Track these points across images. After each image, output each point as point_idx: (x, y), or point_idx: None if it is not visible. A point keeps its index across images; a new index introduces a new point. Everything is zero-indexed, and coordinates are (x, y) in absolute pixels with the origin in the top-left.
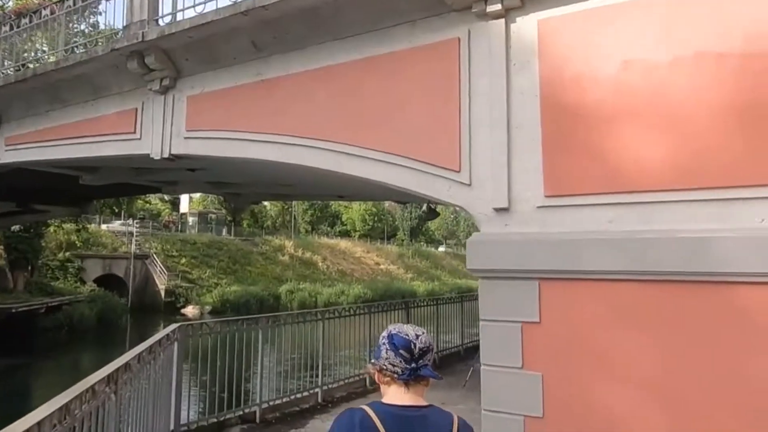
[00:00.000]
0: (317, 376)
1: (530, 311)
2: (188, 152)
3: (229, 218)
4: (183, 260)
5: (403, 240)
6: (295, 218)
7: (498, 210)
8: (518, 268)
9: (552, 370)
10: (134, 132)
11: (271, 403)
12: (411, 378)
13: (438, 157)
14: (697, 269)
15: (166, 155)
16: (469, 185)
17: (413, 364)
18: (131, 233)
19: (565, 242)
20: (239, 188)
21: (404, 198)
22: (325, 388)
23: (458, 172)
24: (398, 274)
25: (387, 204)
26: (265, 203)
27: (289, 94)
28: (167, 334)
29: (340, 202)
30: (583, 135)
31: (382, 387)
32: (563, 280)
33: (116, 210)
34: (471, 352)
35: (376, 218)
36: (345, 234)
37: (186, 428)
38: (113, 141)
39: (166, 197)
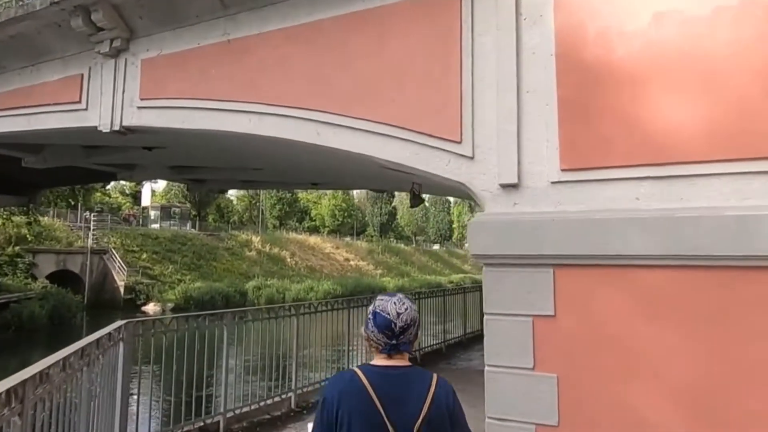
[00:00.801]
0: (290, 379)
1: (543, 303)
2: (142, 124)
3: (193, 212)
4: (144, 255)
5: (372, 236)
6: (262, 213)
7: (505, 186)
8: (529, 254)
9: (569, 371)
10: (79, 101)
11: (236, 411)
12: (392, 351)
13: (435, 127)
14: (744, 252)
15: (116, 128)
16: (472, 158)
17: (394, 341)
18: (88, 227)
19: (584, 223)
20: (203, 173)
21: (386, 185)
22: (299, 392)
23: (459, 143)
24: (368, 270)
25: (357, 199)
26: (232, 197)
27: (261, 57)
28: (109, 333)
29: (310, 198)
30: (606, 99)
31: (371, 351)
32: (583, 267)
33: (72, 203)
34: (451, 349)
35: (345, 213)
36: (314, 229)
37: None
38: (56, 112)
39: (127, 190)
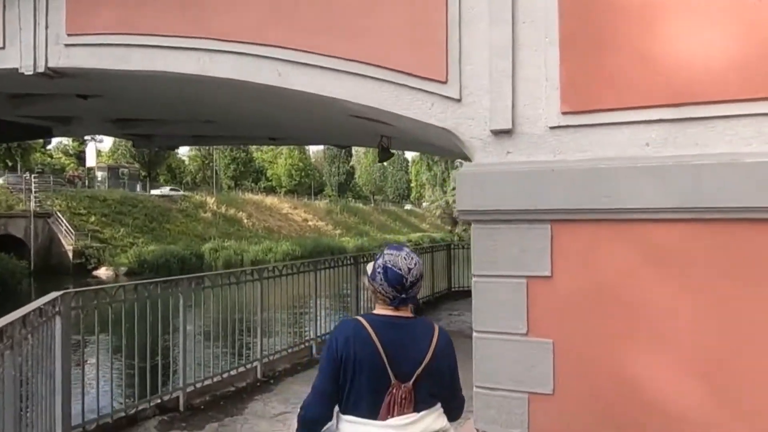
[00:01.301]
0: (255, 348)
1: (539, 263)
2: (71, 65)
3: (143, 173)
4: (92, 219)
5: (330, 196)
6: (216, 173)
7: (497, 133)
8: (524, 208)
9: (566, 335)
10: None
11: (198, 385)
12: (400, 304)
13: (417, 64)
14: None
15: (41, 69)
16: (459, 101)
17: (403, 295)
18: (29, 189)
19: (587, 172)
20: (149, 127)
21: (351, 139)
22: (264, 360)
23: (444, 83)
24: (327, 231)
25: (314, 159)
26: (184, 157)
27: None
28: (40, 308)
29: (265, 158)
30: (615, 29)
31: (376, 302)
32: (584, 222)
33: (9, 163)
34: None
35: (302, 173)
36: (270, 190)
37: (81, 430)
38: None
39: (70, 150)
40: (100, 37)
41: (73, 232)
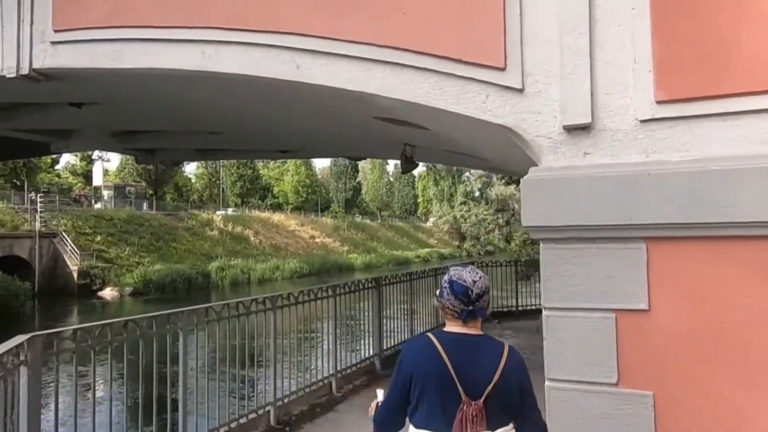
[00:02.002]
0: (267, 389)
1: (632, 292)
2: (59, 65)
3: (150, 192)
4: (98, 238)
5: (337, 212)
6: (223, 191)
7: (572, 129)
8: (611, 223)
9: (669, 387)
10: None
11: None
12: (468, 318)
13: (466, 48)
14: None
15: (25, 71)
16: (521, 91)
17: (470, 307)
18: (35, 209)
19: (695, 177)
20: (151, 141)
21: (369, 150)
22: (278, 404)
23: (502, 70)
24: (334, 247)
25: (320, 175)
26: (190, 175)
27: None
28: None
29: (272, 174)
30: None
31: (446, 319)
32: (691, 240)
33: (17, 183)
34: None
35: (309, 190)
36: (277, 207)
37: None
38: None
39: (78, 170)
40: (90, 32)
41: (78, 252)
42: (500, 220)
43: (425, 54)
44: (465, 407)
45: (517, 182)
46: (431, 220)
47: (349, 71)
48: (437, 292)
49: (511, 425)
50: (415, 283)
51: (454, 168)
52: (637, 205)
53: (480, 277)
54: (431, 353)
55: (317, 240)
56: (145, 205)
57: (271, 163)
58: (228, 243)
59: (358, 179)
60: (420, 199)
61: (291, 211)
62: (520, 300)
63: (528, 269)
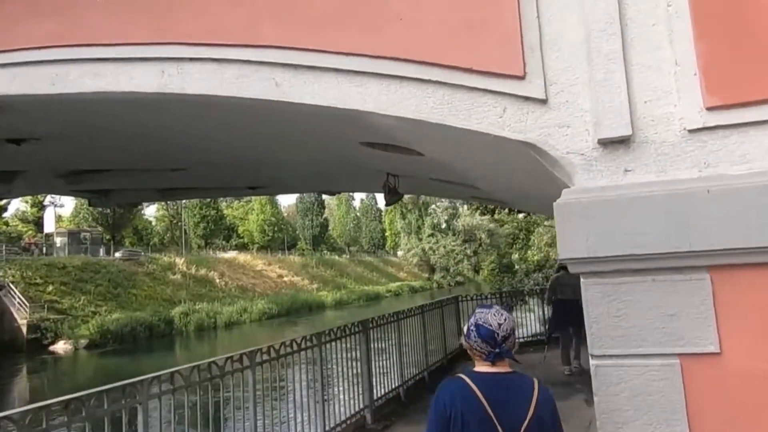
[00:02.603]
0: None
1: (698, 332)
2: None
3: (107, 237)
4: (50, 288)
5: (304, 249)
6: (185, 233)
7: (609, 143)
8: (666, 251)
9: None
10: None
11: None
12: (495, 359)
13: (477, 56)
14: None
15: None
16: (544, 102)
17: (497, 349)
18: None
19: (763, 192)
20: (106, 181)
21: (346, 183)
22: None
23: (520, 79)
24: (303, 285)
25: (286, 213)
26: (150, 218)
27: None
28: None
29: (236, 214)
30: None
31: (474, 359)
32: (764, 268)
33: None
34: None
35: (275, 228)
36: (242, 247)
37: None
38: None
39: (29, 217)
40: (23, 53)
41: (28, 305)
42: (468, 251)
43: (430, 64)
44: None
45: (489, 212)
46: (400, 253)
47: (338, 87)
48: (464, 332)
49: None
50: (402, 323)
51: (421, 200)
52: (696, 228)
53: (505, 320)
54: (468, 393)
55: (285, 279)
56: (102, 251)
57: (235, 202)
58: (192, 286)
59: (324, 215)
60: (388, 233)
61: (257, 251)
62: None
63: (511, 300)
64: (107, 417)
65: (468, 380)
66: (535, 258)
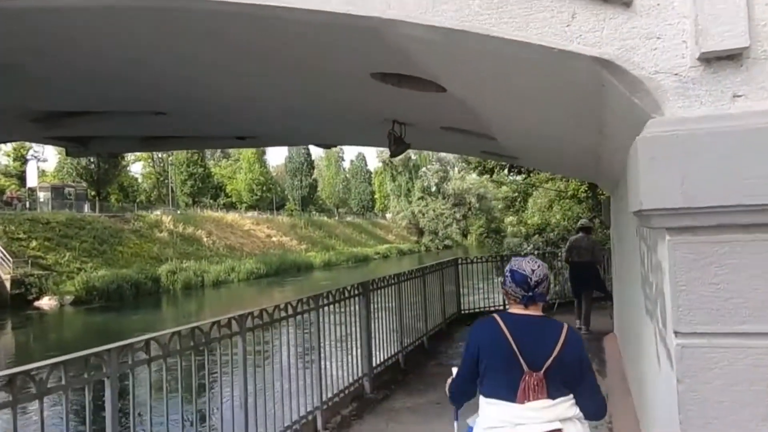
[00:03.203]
0: None
1: None
2: None
3: (91, 192)
4: (34, 243)
5: (293, 210)
6: (172, 190)
7: (713, 61)
8: None
9: None
10: None
11: None
12: (528, 302)
13: None
14: None
15: None
16: (627, 5)
17: (530, 293)
18: None
19: None
20: (83, 126)
21: (347, 133)
22: None
23: None
24: (292, 246)
25: (274, 172)
26: (137, 174)
27: None
28: None
29: (224, 173)
30: None
31: (509, 303)
32: None
33: None
34: (433, 343)
35: (264, 188)
36: (230, 206)
37: None
38: None
39: (12, 171)
40: None
41: (11, 259)
42: (457, 215)
43: None
44: (527, 378)
45: (488, 171)
46: (388, 215)
47: None
48: (501, 280)
49: (570, 397)
50: (403, 285)
51: (411, 163)
52: None
53: (538, 266)
54: (496, 331)
55: (274, 239)
56: (86, 207)
57: (223, 160)
58: (179, 245)
59: (313, 176)
60: (377, 195)
61: (245, 210)
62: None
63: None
64: (67, 393)
65: (499, 320)
66: (535, 220)
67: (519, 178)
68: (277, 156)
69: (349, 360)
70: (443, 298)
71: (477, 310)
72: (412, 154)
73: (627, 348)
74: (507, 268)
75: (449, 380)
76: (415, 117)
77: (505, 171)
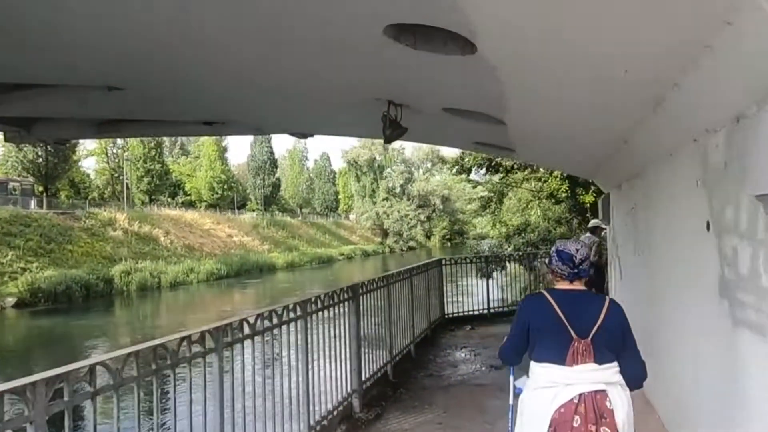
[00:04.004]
0: None
1: None
2: None
3: (39, 188)
4: None
5: (255, 209)
6: (128, 188)
7: None
8: None
9: None
10: None
11: None
12: (573, 278)
13: None
14: None
15: None
16: None
17: (575, 270)
18: None
19: None
20: (24, 104)
21: (330, 123)
22: None
23: None
24: (254, 246)
25: (236, 171)
26: (89, 170)
27: None
28: None
29: (183, 170)
30: None
31: (555, 281)
32: None
33: None
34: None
35: (225, 186)
36: (190, 205)
37: None
38: None
39: None
40: None
41: None
42: (422, 216)
43: None
44: (575, 344)
45: (465, 171)
46: (352, 216)
47: None
48: (546, 260)
49: (615, 364)
50: (393, 288)
51: (376, 164)
52: None
53: (581, 246)
54: (546, 305)
55: (235, 239)
56: (33, 204)
57: (182, 158)
58: (134, 244)
59: (277, 175)
60: (341, 196)
61: (205, 209)
62: (490, 301)
63: (489, 266)
64: None
65: (547, 295)
66: (514, 221)
67: (496, 177)
68: (239, 154)
69: (337, 374)
70: (428, 302)
71: (462, 314)
72: (377, 154)
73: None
74: (553, 249)
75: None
76: (415, 96)
77: (483, 170)
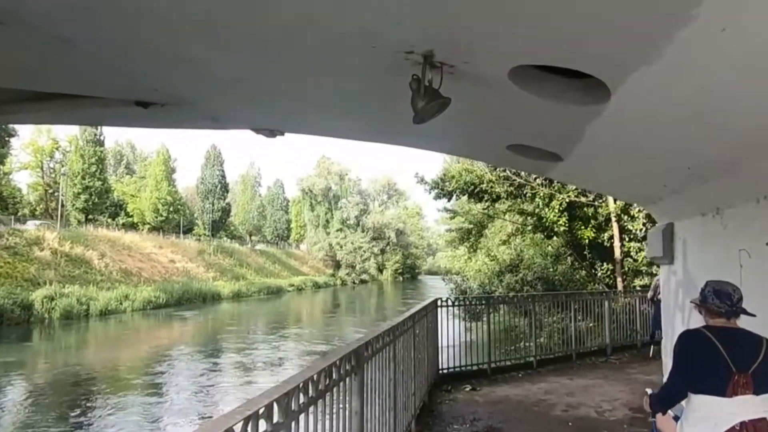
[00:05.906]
0: None
1: None
2: None
3: None
4: None
5: (201, 235)
6: (63, 205)
7: None
8: None
9: None
10: None
11: None
12: (731, 315)
13: None
14: None
15: None
16: None
17: (734, 308)
18: None
19: None
20: None
21: (319, 107)
22: None
23: None
24: (198, 273)
25: (184, 194)
26: (21, 184)
27: None
28: None
29: (126, 190)
30: None
31: (710, 318)
32: None
33: None
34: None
35: (171, 208)
36: (132, 226)
37: None
38: None
39: None
40: None
41: None
42: (375, 249)
43: None
44: (736, 377)
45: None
46: (303, 246)
47: None
48: (698, 299)
49: None
50: (398, 342)
51: (331, 193)
52: None
53: (738, 287)
54: (708, 341)
55: (178, 265)
56: None
57: (127, 177)
58: (63, 266)
59: (227, 200)
60: (294, 225)
61: (148, 232)
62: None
63: (477, 308)
64: None
65: (707, 332)
66: (504, 256)
67: (478, 206)
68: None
69: None
70: (426, 357)
71: (459, 370)
72: (332, 184)
73: None
74: (708, 289)
75: (645, 398)
76: (477, 40)
77: (465, 197)
